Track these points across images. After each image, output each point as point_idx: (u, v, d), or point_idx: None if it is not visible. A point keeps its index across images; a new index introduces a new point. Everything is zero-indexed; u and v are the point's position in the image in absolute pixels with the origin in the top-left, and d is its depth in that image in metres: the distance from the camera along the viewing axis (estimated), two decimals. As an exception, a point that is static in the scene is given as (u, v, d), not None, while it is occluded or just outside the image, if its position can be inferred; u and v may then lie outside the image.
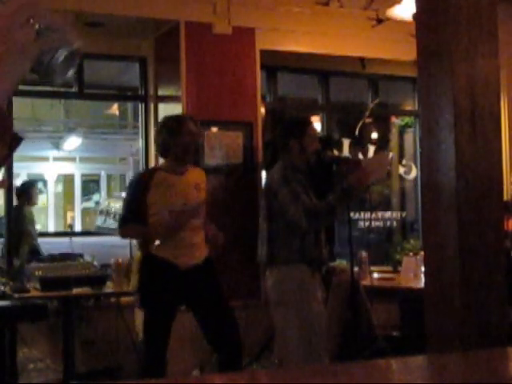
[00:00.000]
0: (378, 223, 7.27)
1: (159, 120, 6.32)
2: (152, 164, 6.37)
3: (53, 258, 5.81)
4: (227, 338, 4.33)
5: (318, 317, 4.08)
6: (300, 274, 4.08)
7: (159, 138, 4.40)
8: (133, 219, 4.28)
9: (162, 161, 4.61)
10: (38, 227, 9.01)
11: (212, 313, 4.31)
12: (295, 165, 4.19)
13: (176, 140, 4.29)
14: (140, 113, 6.60)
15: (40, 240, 7.80)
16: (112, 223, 7.39)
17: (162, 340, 4.22)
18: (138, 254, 4.57)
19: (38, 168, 16.09)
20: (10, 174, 6.00)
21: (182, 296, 4.27)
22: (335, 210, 4.06)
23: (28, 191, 7.73)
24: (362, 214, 6.97)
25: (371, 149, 7.23)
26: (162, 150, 4.40)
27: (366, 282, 5.58)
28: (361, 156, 7.06)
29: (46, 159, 15.95)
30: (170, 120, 4.46)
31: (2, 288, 4.89)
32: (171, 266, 4.20)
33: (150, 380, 3.10)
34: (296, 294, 4.04)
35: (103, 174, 17.27)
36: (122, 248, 7.34)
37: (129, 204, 4.34)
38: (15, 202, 7.47)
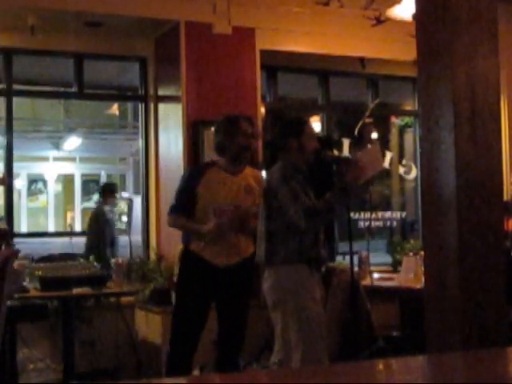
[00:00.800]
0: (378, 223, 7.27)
1: (156, 120, 6.35)
2: (152, 164, 6.37)
3: (53, 257, 5.80)
4: (231, 340, 4.36)
5: (317, 317, 4.07)
6: (299, 273, 4.07)
7: (216, 137, 4.44)
8: (182, 209, 4.35)
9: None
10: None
11: (231, 312, 4.37)
12: (294, 164, 4.18)
13: (231, 140, 4.33)
14: (140, 113, 6.60)
15: (40, 240, 7.77)
16: (112, 223, 7.38)
17: (192, 338, 4.25)
18: (180, 246, 4.60)
19: (38, 168, 16.11)
20: (10, 174, 5.99)
21: (216, 292, 4.32)
22: (334, 209, 4.05)
23: (113, 192, 7.80)
24: (362, 214, 6.96)
25: (371, 149, 7.21)
26: (218, 150, 4.42)
27: (365, 282, 5.58)
28: (360, 156, 7.04)
29: (46, 159, 15.95)
30: (226, 120, 4.48)
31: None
32: (209, 264, 4.25)
33: (151, 380, 3.09)
34: (295, 293, 4.03)
35: (103, 173, 17.28)
36: (122, 248, 7.34)
37: (180, 194, 4.39)
38: (95, 201, 7.52)
